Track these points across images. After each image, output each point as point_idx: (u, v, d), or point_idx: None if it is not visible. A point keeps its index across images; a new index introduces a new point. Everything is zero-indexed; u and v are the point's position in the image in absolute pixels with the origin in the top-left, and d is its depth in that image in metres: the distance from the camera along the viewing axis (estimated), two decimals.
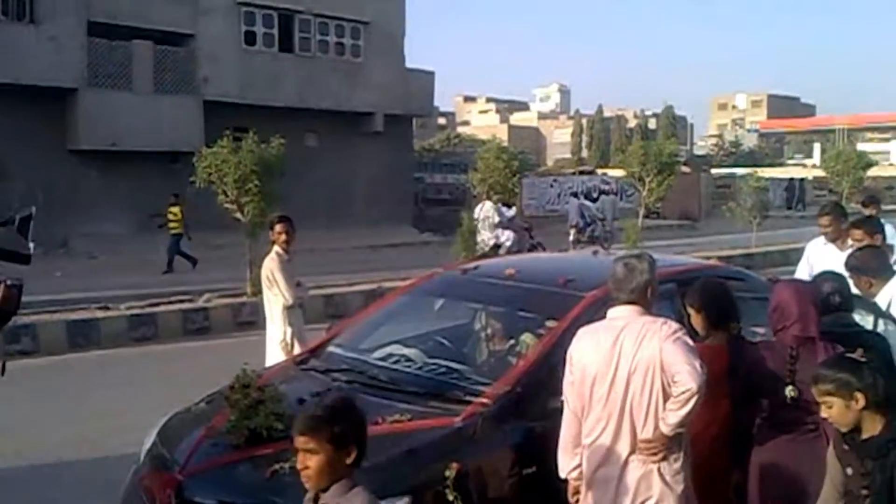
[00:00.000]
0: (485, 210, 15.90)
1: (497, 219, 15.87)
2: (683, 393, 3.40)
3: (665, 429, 3.47)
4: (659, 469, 3.54)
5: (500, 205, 16.38)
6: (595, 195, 36.14)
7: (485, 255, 14.99)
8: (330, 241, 22.40)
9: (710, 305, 4.25)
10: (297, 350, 6.24)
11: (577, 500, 3.72)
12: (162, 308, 12.25)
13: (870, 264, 4.81)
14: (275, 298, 6.74)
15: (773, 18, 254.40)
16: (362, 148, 29.17)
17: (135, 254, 20.38)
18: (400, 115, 30.30)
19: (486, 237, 15.50)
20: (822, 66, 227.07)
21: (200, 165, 12.90)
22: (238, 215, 13.14)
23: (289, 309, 6.69)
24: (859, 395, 3.01)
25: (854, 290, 4.63)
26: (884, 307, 4.57)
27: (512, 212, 17.62)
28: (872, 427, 3.02)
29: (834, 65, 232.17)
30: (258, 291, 13.03)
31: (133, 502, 4.18)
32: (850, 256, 5.03)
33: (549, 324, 4.48)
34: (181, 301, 12.75)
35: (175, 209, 18.98)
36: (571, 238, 21.14)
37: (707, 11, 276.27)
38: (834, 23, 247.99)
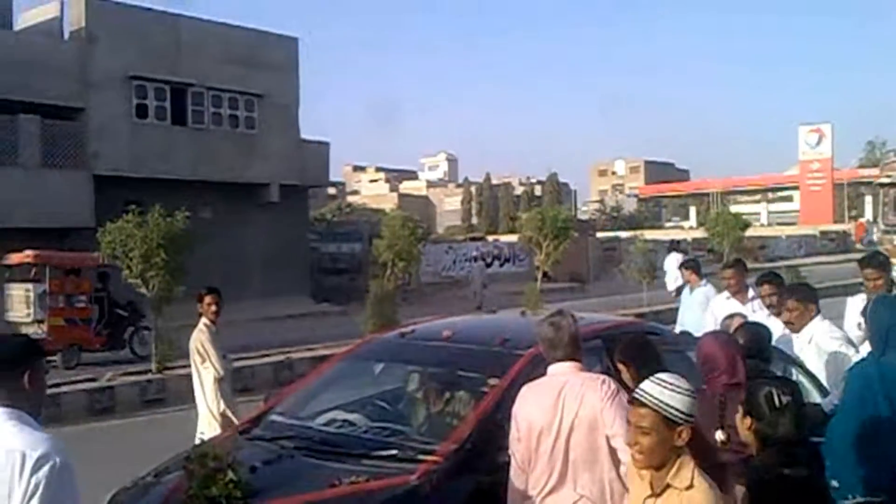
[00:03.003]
0: (672, 260, 20.88)
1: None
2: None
3: None
4: None
5: (683, 255, 21.01)
6: (489, 260, 37.03)
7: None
8: (226, 313, 21.99)
9: (639, 359, 4.54)
10: (234, 420, 6.24)
11: None
12: (65, 388, 11.86)
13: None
14: (205, 371, 6.73)
15: (646, 89, 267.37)
16: (258, 219, 29.04)
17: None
18: (295, 185, 30.37)
19: (673, 280, 20.04)
20: (694, 134, 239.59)
21: (104, 240, 12.71)
22: (143, 290, 12.96)
23: (219, 381, 6.70)
24: (748, 418, 3.38)
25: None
26: (807, 340, 5.04)
27: None
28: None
29: (706, 132, 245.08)
30: (164, 367, 12.89)
31: None
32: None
33: (492, 382, 4.70)
34: (84, 381, 12.39)
35: None
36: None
37: (584, 81, 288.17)
38: (704, 90, 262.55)
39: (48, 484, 2.39)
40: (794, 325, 5.18)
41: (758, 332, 4.67)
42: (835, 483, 3.87)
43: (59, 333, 15.73)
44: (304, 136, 31.35)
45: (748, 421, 3.43)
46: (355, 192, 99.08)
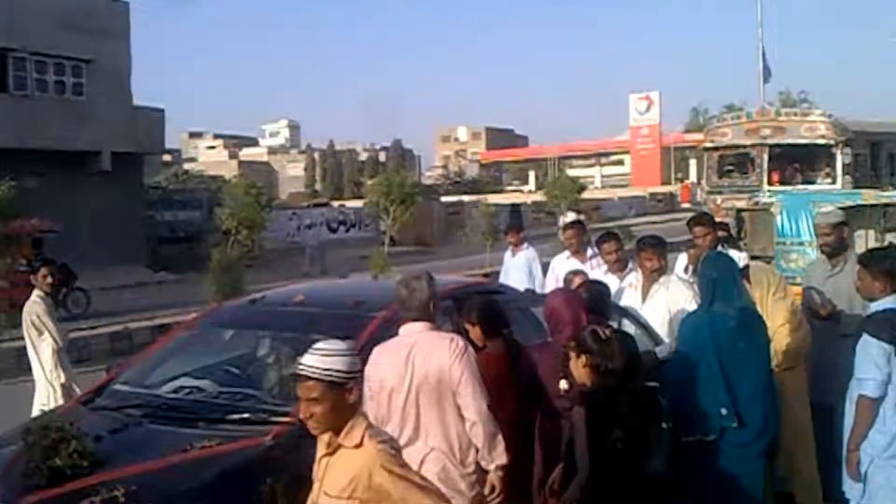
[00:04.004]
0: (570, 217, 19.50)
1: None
2: (473, 427, 3.86)
3: (499, 472, 3.89)
4: (451, 468, 3.93)
5: (577, 213, 19.69)
6: (334, 226, 36.96)
7: None
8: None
9: (484, 318, 4.69)
10: (76, 391, 6.03)
11: None
12: None
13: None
14: (43, 343, 6.46)
15: (484, 57, 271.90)
16: (89, 188, 27.63)
17: None
18: (129, 153, 29.12)
19: None
20: (532, 101, 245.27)
21: None
22: None
23: (58, 352, 6.45)
24: (581, 357, 3.84)
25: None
26: (664, 288, 5.41)
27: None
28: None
29: (543, 99, 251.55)
30: None
31: None
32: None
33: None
34: None
35: None
36: None
37: (426, 48, 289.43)
38: (539, 59, 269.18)
39: None
40: (657, 274, 5.48)
41: (598, 289, 4.94)
42: (670, 424, 4.18)
43: (4, 296, 15.94)
44: (137, 102, 30.13)
45: (582, 359, 3.74)
46: (192, 160, 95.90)
